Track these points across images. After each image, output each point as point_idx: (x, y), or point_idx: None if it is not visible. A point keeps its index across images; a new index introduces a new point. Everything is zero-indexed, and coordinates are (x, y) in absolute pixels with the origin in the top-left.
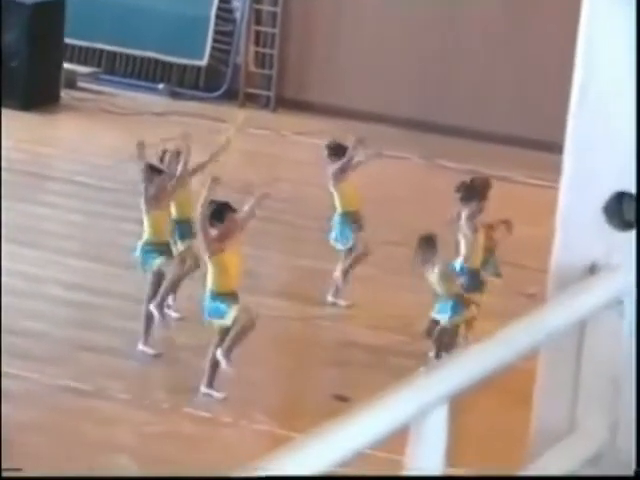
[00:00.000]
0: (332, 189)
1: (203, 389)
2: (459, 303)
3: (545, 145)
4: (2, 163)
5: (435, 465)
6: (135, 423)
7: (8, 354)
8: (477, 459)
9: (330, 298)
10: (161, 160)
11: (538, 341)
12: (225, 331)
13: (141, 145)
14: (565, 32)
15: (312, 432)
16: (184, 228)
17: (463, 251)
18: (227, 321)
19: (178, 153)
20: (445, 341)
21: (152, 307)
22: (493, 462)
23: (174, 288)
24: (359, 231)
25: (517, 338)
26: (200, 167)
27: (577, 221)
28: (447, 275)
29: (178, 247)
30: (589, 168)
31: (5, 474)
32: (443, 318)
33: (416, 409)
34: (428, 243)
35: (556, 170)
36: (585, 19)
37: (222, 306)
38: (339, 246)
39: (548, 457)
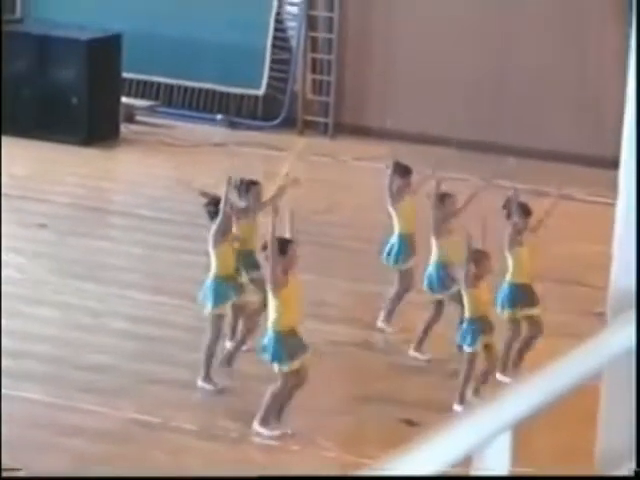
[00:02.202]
0: (390, 209)
1: (255, 426)
2: (480, 326)
3: (606, 162)
4: (65, 199)
5: None
6: (204, 453)
7: (76, 389)
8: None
9: (380, 323)
10: (238, 189)
11: (599, 366)
12: (287, 374)
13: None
14: (623, 46)
15: (373, 465)
16: (248, 259)
17: (510, 268)
18: (284, 369)
19: (254, 183)
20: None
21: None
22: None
23: (251, 332)
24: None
25: (578, 365)
26: (270, 201)
27: (633, 246)
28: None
29: (242, 279)
30: None
31: (5, 474)
32: (466, 344)
33: (478, 439)
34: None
35: (616, 187)
36: (637, 41)
37: (283, 353)
38: (396, 266)
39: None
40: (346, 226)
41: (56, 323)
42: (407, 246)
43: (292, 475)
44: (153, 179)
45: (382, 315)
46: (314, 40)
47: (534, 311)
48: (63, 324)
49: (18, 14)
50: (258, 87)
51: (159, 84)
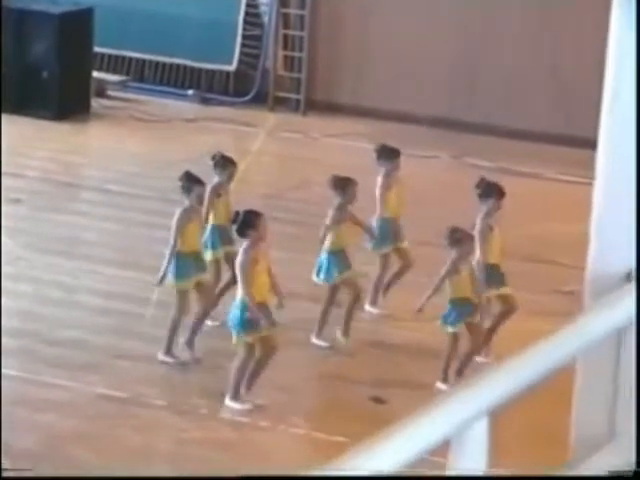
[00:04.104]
0: (378, 192)
1: (227, 402)
2: (463, 308)
3: (576, 141)
4: (37, 173)
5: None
6: (173, 429)
7: (47, 363)
8: (516, 459)
9: (367, 307)
10: (215, 163)
11: (576, 351)
12: (249, 346)
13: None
14: (597, 27)
15: (351, 450)
16: (223, 235)
17: (479, 249)
18: (244, 339)
19: (229, 159)
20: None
21: (183, 343)
22: (532, 462)
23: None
24: (399, 241)
25: (555, 349)
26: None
27: (612, 228)
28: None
29: (215, 253)
30: (622, 176)
31: (5, 474)
32: (450, 325)
33: (456, 423)
34: (452, 237)
35: (587, 165)
36: (615, 25)
37: (244, 324)
38: (375, 249)
39: (590, 464)
40: (316, 203)
41: (27, 297)
42: (389, 230)
43: (292, 475)
44: (124, 154)
45: (368, 298)
46: (286, 16)
47: (506, 290)
48: (34, 299)
49: None
50: (230, 63)
51: (131, 59)
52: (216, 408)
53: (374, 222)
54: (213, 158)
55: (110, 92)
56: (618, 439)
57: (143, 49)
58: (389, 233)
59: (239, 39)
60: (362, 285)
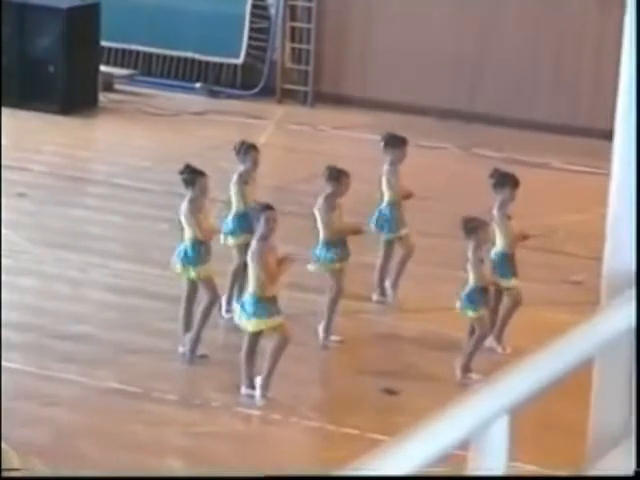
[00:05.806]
0: (384, 179)
1: (244, 390)
2: (485, 293)
3: (582, 131)
4: (44, 167)
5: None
6: (185, 424)
7: (55, 358)
8: (532, 453)
9: (375, 296)
10: (237, 151)
11: (594, 349)
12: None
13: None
14: (602, 16)
15: (370, 452)
16: (245, 221)
17: (498, 239)
18: (262, 326)
19: (254, 147)
20: (477, 332)
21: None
22: (549, 457)
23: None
24: (402, 228)
25: (574, 348)
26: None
27: (626, 227)
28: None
29: (237, 240)
30: (638, 174)
31: (5, 474)
32: (470, 309)
33: (476, 422)
34: (467, 227)
35: (594, 155)
36: (630, 15)
37: (263, 313)
38: (385, 236)
39: (607, 460)
40: None
41: (35, 292)
42: (396, 218)
43: (294, 475)
44: (132, 148)
45: (375, 288)
46: (293, 8)
47: (514, 283)
48: (42, 293)
49: None
50: (237, 56)
51: (138, 52)
52: (228, 402)
53: (383, 210)
54: (234, 148)
55: (117, 86)
56: (635, 437)
57: (150, 42)
58: (396, 220)
59: (246, 32)
60: (365, 275)
